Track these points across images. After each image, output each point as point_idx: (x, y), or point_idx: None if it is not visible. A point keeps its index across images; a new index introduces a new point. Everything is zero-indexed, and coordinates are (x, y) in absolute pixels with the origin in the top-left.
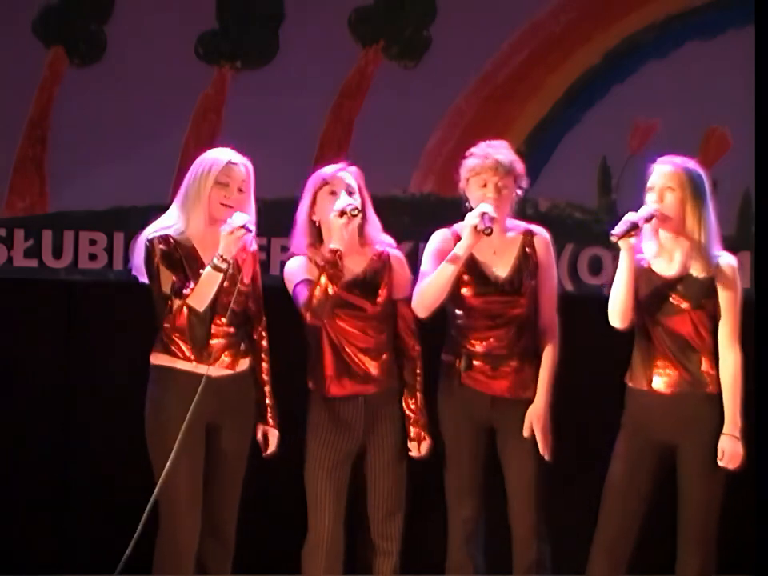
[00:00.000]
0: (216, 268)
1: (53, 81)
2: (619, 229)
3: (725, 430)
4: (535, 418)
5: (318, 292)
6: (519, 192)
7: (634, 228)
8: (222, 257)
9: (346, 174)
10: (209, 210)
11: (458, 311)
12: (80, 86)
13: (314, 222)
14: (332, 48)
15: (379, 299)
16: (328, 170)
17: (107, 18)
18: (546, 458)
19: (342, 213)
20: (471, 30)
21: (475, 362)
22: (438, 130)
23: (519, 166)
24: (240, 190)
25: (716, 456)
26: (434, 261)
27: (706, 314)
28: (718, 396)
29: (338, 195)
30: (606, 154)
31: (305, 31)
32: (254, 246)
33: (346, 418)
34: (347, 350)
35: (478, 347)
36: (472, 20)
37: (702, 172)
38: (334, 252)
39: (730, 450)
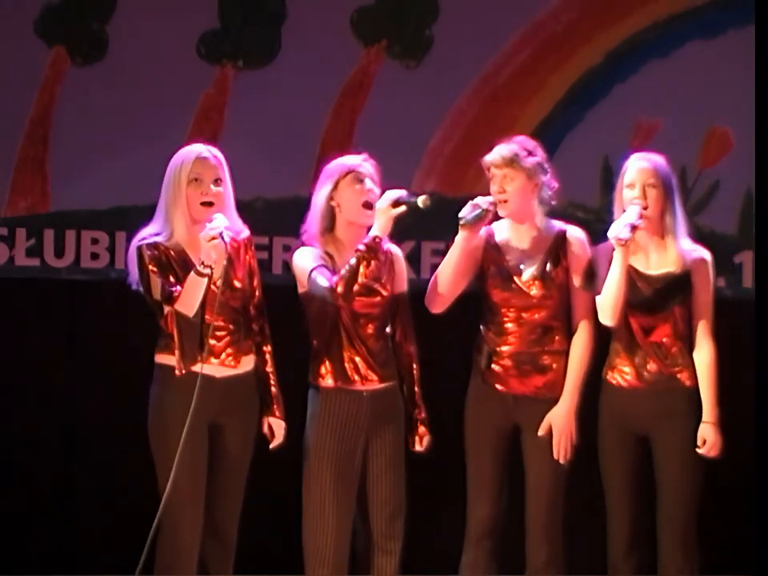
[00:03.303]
0: (199, 274)
1: (54, 80)
2: (624, 233)
3: (704, 418)
4: (555, 421)
5: (350, 274)
6: (548, 188)
7: (635, 229)
8: (203, 263)
9: (369, 165)
10: (189, 211)
11: (485, 309)
12: (82, 85)
13: (332, 208)
14: (334, 47)
15: (387, 293)
16: (352, 159)
17: (109, 18)
18: (561, 461)
19: (397, 203)
20: (473, 29)
21: (499, 361)
22: (439, 130)
23: (530, 161)
24: (216, 183)
25: (695, 448)
26: None
27: (684, 309)
28: (695, 388)
29: (364, 183)
30: (607, 154)
31: (307, 30)
32: (245, 233)
33: (350, 413)
34: (355, 342)
35: (502, 346)
36: (474, 20)
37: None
38: (374, 239)
39: (710, 438)
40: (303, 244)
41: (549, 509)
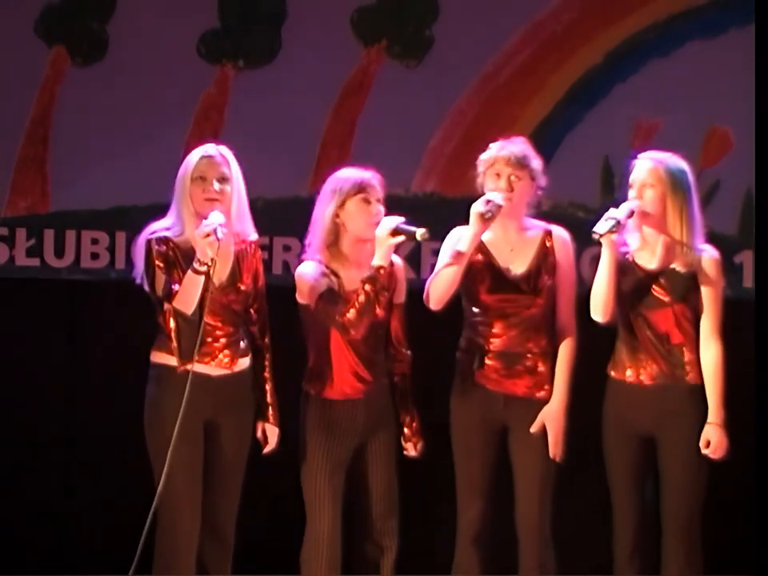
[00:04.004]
0: (195, 271)
1: (54, 80)
2: (602, 227)
3: (709, 419)
4: (549, 419)
5: (358, 306)
6: (539, 192)
7: (616, 225)
8: (199, 260)
9: (376, 182)
10: (195, 208)
11: (473, 309)
12: (82, 85)
13: (338, 225)
14: (334, 47)
15: (384, 301)
16: (360, 176)
17: (109, 17)
18: (557, 460)
19: (396, 232)
20: (473, 29)
21: (489, 361)
22: (439, 130)
23: (536, 163)
24: (221, 181)
25: (699, 447)
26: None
27: (689, 308)
28: (700, 388)
29: (372, 204)
30: (608, 154)
31: (307, 30)
32: (253, 236)
33: (346, 421)
34: (354, 353)
35: (492, 346)
36: (474, 19)
37: (684, 167)
38: (378, 270)
39: (715, 440)
40: (307, 258)
41: (540, 508)
